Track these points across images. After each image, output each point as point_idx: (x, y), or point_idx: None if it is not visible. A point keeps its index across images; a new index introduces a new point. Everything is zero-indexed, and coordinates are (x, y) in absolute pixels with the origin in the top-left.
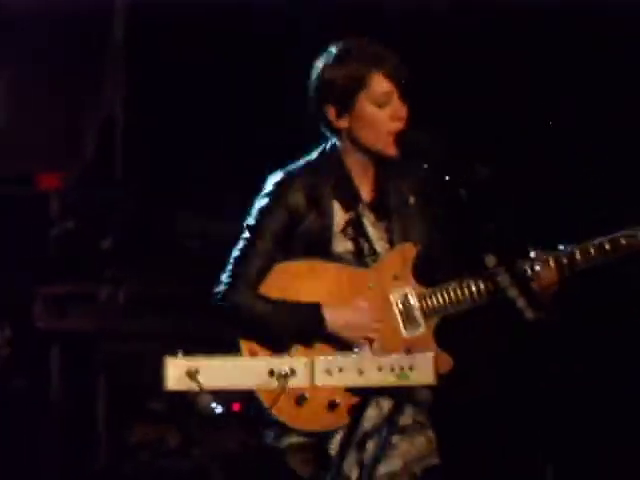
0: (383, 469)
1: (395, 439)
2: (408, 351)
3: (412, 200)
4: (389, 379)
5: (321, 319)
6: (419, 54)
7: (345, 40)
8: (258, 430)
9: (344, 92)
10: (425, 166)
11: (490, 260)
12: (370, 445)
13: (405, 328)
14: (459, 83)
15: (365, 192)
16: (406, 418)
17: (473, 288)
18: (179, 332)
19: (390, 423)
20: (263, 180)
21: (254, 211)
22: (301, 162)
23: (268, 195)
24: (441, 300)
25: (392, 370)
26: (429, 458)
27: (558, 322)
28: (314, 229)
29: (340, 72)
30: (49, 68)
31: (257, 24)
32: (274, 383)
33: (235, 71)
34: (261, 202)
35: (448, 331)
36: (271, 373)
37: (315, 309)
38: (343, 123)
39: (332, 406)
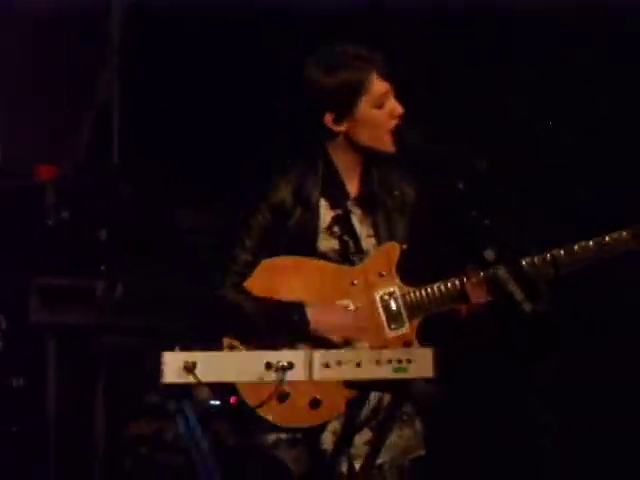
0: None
1: None
2: (407, 344)
3: (397, 192)
4: (387, 372)
5: (304, 319)
6: (416, 48)
7: (332, 46)
8: (245, 428)
9: (343, 99)
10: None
11: (489, 254)
12: (358, 438)
13: (389, 326)
14: (458, 77)
15: (352, 187)
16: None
17: (457, 287)
18: (177, 326)
19: (389, 416)
20: (262, 173)
21: (242, 207)
22: (287, 159)
23: (255, 192)
24: (425, 299)
25: (390, 363)
26: (416, 450)
27: (551, 311)
28: (300, 227)
29: (337, 79)
30: (45, 60)
31: (256, 17)
32: (271, 376)
33: (234, 62)
34: (248, 199)
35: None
36: (268, 366)
37: (299, 309)
38: (341, 127)
39: (314, 403)
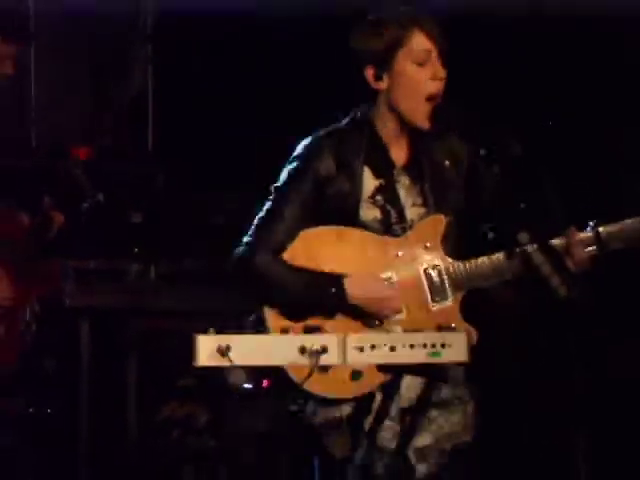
0: (413, 443)
1: (434, 414)
2: (439, 328)
3: (447, 163)
4: (421, 356)
5: (342, 291)
6: (457, 30)
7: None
8: (291, 406)
9: (383, 51)
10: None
11: (523, 237)
12: (408, 418)
13: (433, 299)
14: (496, 58)
15: (398, 156)
16: (445, 393)
17: (504, 264)
18: (210, 309)
19: (422, 400)
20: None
21: (283, 175)
22: (330, 128)
23: (297, 159)
24: (470, 273)
25: (424, 347)
26: (461, 435)
27: (589, 299)
28: (342, 196)
29: (379, 32)
30: (81, 44)
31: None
32: (305, 360)
33: (267, 44)
34: (290, 166)
35: (475, 305)
36: (302, 350)
37: (336, 280)
38: (382, 84)
39: (355, 375)
